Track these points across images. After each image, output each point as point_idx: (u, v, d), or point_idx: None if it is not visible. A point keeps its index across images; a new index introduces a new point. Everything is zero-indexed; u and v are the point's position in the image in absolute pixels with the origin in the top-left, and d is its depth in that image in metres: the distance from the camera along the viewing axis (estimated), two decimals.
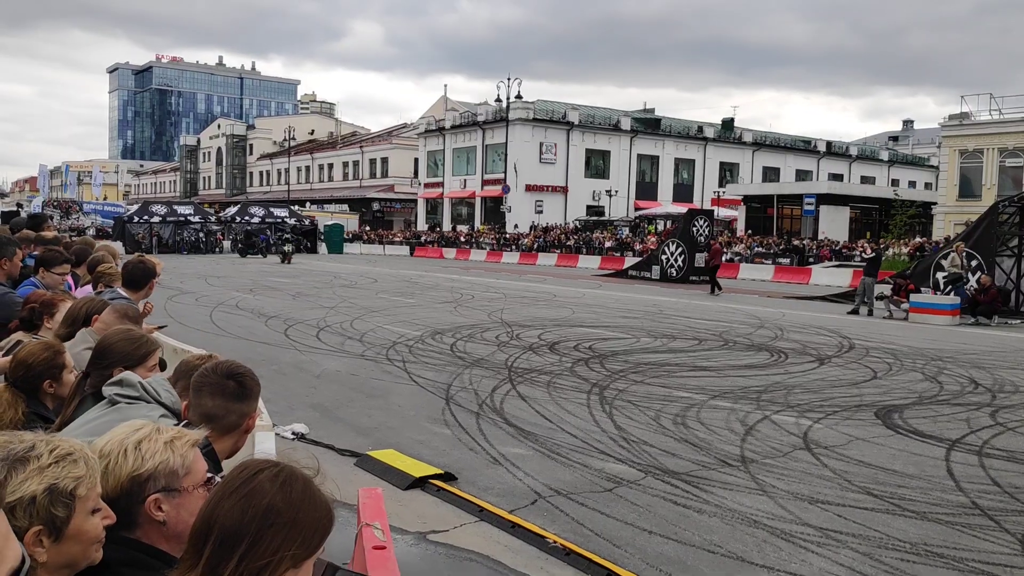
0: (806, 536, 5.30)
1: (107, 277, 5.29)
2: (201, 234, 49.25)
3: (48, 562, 1.49)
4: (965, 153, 42.71)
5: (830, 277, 31.42)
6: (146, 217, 48.14)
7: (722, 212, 51.19)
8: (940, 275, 20.49)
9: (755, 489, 6.20)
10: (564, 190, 59.11)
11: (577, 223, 54.78)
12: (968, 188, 42.45)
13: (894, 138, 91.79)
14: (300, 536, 1.40)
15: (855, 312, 20.18)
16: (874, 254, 22.59)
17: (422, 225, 66.59)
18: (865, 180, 70.83)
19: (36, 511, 1.47)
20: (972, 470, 6.82)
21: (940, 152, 47.55)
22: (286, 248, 39.46)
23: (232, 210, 54.22)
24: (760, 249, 40.48)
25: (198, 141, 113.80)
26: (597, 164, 61.60)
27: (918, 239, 39.37)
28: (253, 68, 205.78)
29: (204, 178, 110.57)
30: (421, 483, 6.23)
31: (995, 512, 5.80)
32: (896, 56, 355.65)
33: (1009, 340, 15.91)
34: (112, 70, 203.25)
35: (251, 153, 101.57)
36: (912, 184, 71.46)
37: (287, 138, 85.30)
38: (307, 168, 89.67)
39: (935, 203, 45.86)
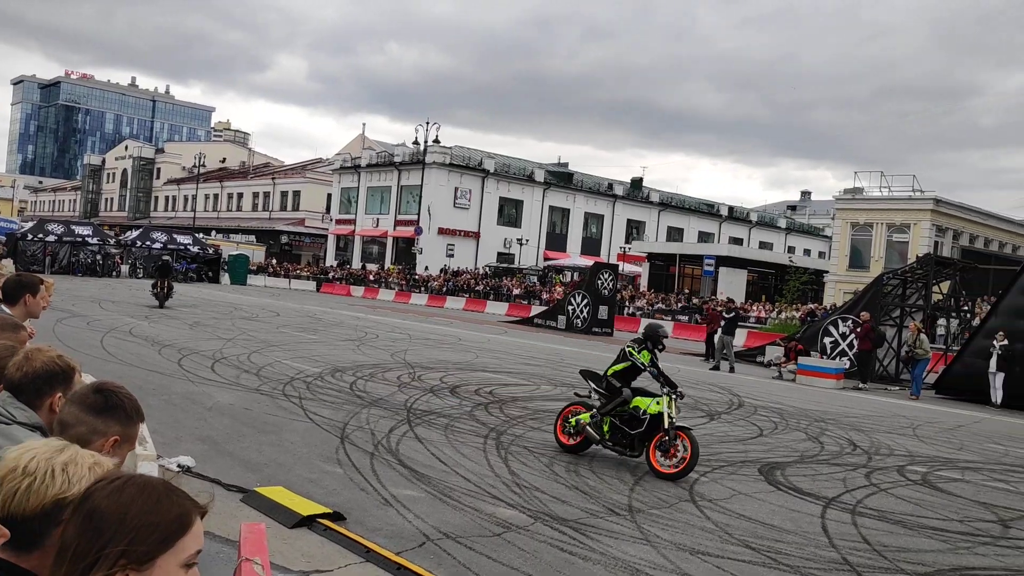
0: None
1: None
2: (99, 256, 47.40)
3: None
4: (856, 226, 45.01)
5: None
6: (41, 235, 46.05)
7: (627, 267, 52.34)
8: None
9: (639, 538, 6.35)
10: (476, 235, 59.51)
11: (487, 269, 55.11)
12: (858, 259, 44.68)
13: (792, 207, 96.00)
14: (131, 534, 1.43)
15: (716, 368, 21.29)
16: (732, 314, 23.47)
17: (331, 261, 65.81)
18: (763, 245, 73.72)
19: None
20: (845, 528, 7.15)
21: (834, 223, 49.93)
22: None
23: (133, 234, 52.49)
24: (661, 305, 41.58)
25: (103, 161, 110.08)
26: (510, 212, 62.34)
27: (809, 304, 41.07)
28: (167, 92, 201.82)
29: (106, 199, 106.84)
30: (308, 522, 6.13)
31: (863, 568, 6.09)
32: (801, 130, 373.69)
33: (888, 405, 16.74)
34: (17, 82, 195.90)
35: (158, 177, 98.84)
36: (807, 252, 74.77)
37: (197, 164, 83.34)
38: (215, 196, 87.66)
39: (827, 271, 48.06)
